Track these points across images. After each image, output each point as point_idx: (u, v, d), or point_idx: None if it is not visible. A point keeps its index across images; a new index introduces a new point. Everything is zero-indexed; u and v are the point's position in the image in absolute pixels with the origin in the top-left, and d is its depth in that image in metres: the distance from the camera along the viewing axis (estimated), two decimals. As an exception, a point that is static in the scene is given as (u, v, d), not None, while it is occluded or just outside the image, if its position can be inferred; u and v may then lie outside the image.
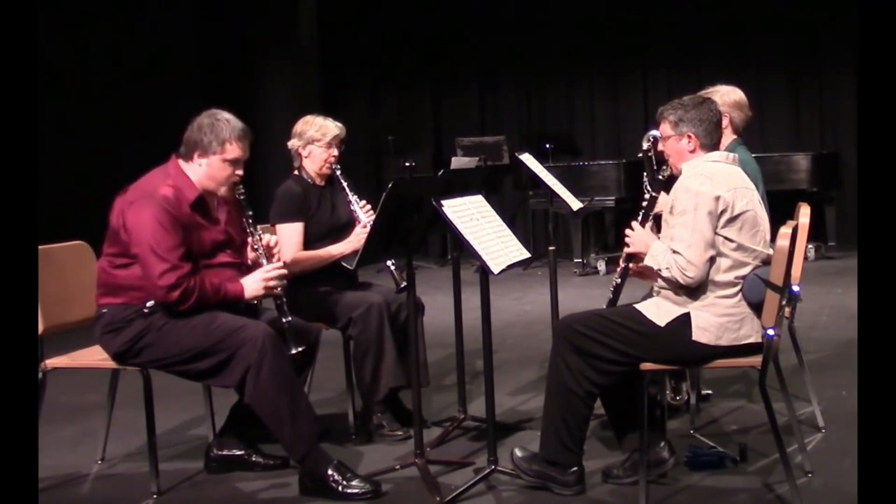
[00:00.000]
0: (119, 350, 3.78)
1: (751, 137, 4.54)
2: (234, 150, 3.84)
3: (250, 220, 3.93)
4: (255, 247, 3.93)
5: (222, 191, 3.90)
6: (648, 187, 4.16)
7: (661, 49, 11.50)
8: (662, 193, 3.94)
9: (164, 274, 3.65)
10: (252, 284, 3.86)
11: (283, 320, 3.87)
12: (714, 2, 11.27)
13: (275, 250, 3.97)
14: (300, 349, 3.87)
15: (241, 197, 3.92)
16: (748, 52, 11.07)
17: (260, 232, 3.95)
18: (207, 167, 3.84)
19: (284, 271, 3.93)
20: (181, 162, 3.86)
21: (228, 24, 10.56)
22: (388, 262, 4.36)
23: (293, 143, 4.62)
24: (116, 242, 3.78)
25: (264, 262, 3.90)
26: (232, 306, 3.90)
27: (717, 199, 3.46)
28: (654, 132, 4.17)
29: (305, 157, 4.60)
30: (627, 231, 3.77)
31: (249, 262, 4.00)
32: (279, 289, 3.88)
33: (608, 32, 11.67)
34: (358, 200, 4.54)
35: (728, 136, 4.30)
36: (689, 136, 3.64)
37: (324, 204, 4.60)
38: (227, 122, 3.85)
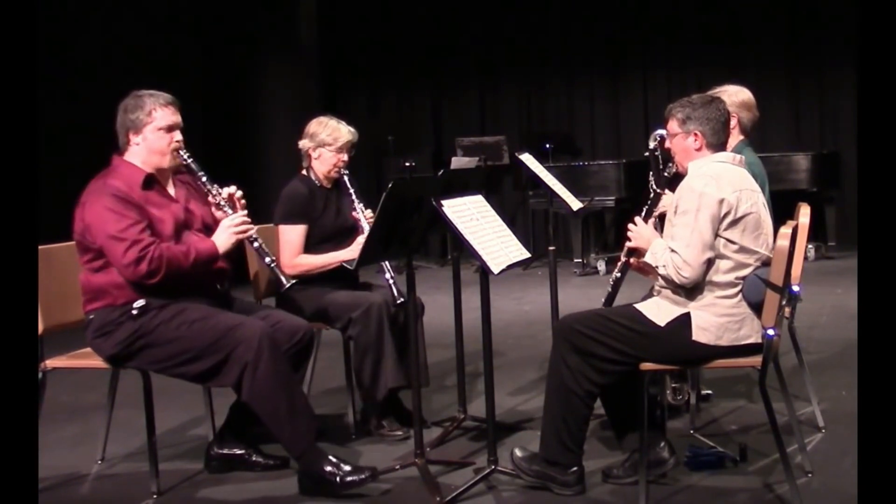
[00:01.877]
0: (112, 353, 3.77)
1: (751, 137, 4.54)
2: (163, 116, 3.84)
3: (204, 180, 3.90)
4: (218, 202, 3.91)
5: (167, 161, 3.86)
6: (654, 186, 4.16)
7: (661, 49, 11.49)
8: (667, 191, 3.94)
9: (126, 252, 3.65)
10: (222, 236, 3.84)
11: (266, 260, 3.90)
12: (714, 1, 11.27)
13: (236, 196, 3.92)
14: (294, 282, 3.93)
15: (188, 161, 3.88)
16: (748, 52, 11.07)
17: (217, 187, 3.92)
18: (144, 141, 3.84)
19: (247, 218, 3.90)
20: (124, 155, 3.87)
21: (228, 23, 10.55)
22: (387, 276, 4.36)
23: (304, 144, 4.61)
24: (85, 248, 3.79)
25: (230, 211, 3.88)
26: (229, 304, 3.91)
27: (721, 202, 3.46)
28: (660, 131, 4.17)
29: (315, 159, 4.60)
30: (630, 226, 3.77)
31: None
32: (250, 232, 3.88)
33: (608, 32, 11.67)
34: (363, 209, 4.52)
35: (735, 137, 4.30)
36: (696, 135, 3.64)
37: (329, 207, 4.59)
38: (149, 95, 3.88)
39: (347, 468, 3.72)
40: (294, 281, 3.97)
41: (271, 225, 4.53)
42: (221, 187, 3.92)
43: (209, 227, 3.95)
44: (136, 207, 3.73)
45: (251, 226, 3.89)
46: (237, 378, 3.70)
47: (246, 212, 3.92)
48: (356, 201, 4.53)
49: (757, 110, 4.47)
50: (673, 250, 3.49)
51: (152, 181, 3.85)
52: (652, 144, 4.15)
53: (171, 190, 3.93)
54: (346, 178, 4.58)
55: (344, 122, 4.65)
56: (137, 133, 3.84)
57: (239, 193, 3.94)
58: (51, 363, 3.91)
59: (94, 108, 9.12)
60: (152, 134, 3.83)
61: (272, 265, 3.90)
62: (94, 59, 9.12)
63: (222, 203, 3.90)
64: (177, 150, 3.87)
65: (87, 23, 9.19)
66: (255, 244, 3.90)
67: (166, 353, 3.73)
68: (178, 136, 3.87)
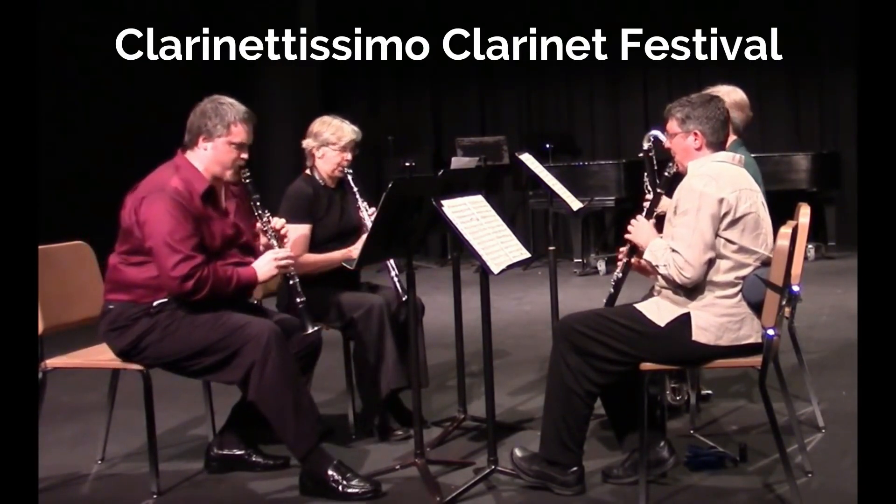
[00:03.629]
0: (124, 348, 3.79)
1: (751, 137, 4.54)
2: (239, 133, 3.85)
3: (258, 203, 3.92)
4: (265, 229, 3.93)
5: (228, 175, 3.88)
6: (648, 187, 4.16)
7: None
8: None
9: (178, 265, 3.65)
10: (264, 266, 3.87)
11: (298, 300, 3.89)
12: (714, 1, 11.25)
13: (283, 231, 3.95)
14: (317, 328, 3.90)
15: (248, 181, 3.91)
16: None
17: (269, 214, 3.95)
18: (213, 151, 3.84)
19: (292, 254, 3.95)
20: (187, 154, 3.87)
21: (228, 23, 10.55)
22: (392, 274, 4.37)
23: (308, 143, 4.61)
24: (129, 240, 3.78)
25: (275, 243, 3.91)
26: (239, 304, 3.91)
27: (721, 201, 3.46)
28: (654, 132, 4.18)
29: (319, 158, 4.60)
30: (632, 222, 3.78)
31: (262, 247, 3.99)
32: (291, 269, 3.91)
33: (608, 32, 11.65)
34: (367, 207, 4.52)
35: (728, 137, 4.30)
36: (696, 134, 3.64)
37: (333, 207, 4.59)
38: (230, 105, 3.88)
39: (351, 479, 3.71)
40: (318, 328, 3.95)
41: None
42: (272, 215, 3.96)
43: (249, 244, 3.99)
44: (193, 218, 3.73)
45: (293, 261, 3.93)
46: (244, 375, 3.70)
47: (289, 249, 3.96)
48: (360, 200, 4.54)
49: (750, 110, 4.48)
50: (674, 250, 3.49)
51: (211, 194, 3.85)
52: (646, 145, 4.16)
53: (222, 200, 3.95)
54: (349, 177, 4.58)
55: (348, 122, 4.65)
56: (209, 140, 3.83)
57: (285, 229, 3.98)
58: (51, 363, 3.91)
59: (95, 107, 9.16)
60: (223, 146, 3.84)
61: (301, 306, 3.90)
62: (93, 57, 9.12)
63: (267, 230, 3.92)
64: (241, 167, 3.88)
65: (87, 20, 9.19)
66: (291, 281, 3.92)
67: (175, 348, 3.74)
68: (245, 153, 3.89)
